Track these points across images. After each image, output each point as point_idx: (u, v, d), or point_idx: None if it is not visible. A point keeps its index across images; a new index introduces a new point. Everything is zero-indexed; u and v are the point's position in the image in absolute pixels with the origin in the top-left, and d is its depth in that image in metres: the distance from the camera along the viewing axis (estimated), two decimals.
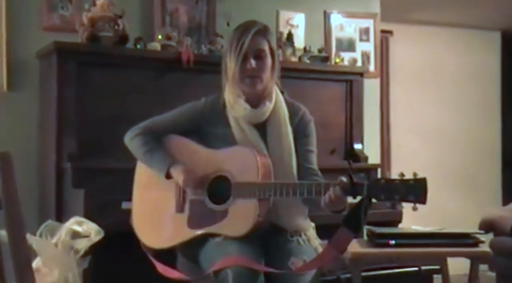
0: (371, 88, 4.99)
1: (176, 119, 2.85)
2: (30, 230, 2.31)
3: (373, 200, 2.39)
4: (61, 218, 3.41)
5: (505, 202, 6.57)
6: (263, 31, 2.75)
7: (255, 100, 2.76)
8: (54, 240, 2.70)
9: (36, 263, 2.65)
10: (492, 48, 7.16)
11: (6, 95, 3.93)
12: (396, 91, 6.73)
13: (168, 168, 2.69)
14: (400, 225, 4.15)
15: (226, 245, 2.56)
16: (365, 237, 3.42)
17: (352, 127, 4.50)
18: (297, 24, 4.78)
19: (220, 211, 2.63)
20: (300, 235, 2.72)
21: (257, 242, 2.62)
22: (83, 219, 2.79)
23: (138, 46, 3.95)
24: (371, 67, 5.07)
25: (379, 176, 4.31)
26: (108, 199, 3.29)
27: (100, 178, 3.42)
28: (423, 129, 6.79)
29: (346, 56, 4.75)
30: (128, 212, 2.87)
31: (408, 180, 2.31)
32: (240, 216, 2.58)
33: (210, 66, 3.40)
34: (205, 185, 2.68)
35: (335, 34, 4.99)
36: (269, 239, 2.67)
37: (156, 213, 2.79)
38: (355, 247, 3.13)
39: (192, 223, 2.68)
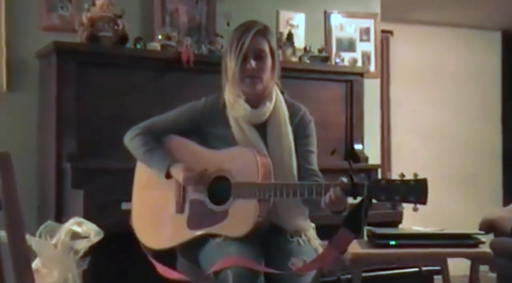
0: (371, 88, 4.98)
1: (176, 119, 2.85)
2: (29, 230, 2.30)
3: (374, 201, 2.38)
4: (60, 218, 3.41)
5: (505, 203, 6.57)
6: (263, 31, 2.74)
7: (255, 100, 2.75)
8: (53, 241, 2.69)
9: (35, 264, 2.65)
10: (492, 48, 7.15)
11: (6, 96, 3.92)
12: (397, 91, 6.73)
13: (168, 167, 2.68)
14: (400, 226, 4.15)
15: (226, 245, 2.55)
16: (366, 237, 3.41)
17: (353, 127, 4.50)
18: (297, 24, 4.78)
19: (220, 211, 2.63)
20: (300, 236, 2.71)
21: (257, 243, 2.61)
22: (82, 220, 2.79)
23: (138, 46, 3.95)
24: (372, 67, 5.07)
25: (379, 176, 4.32)
26: (108, 200, 3.29)
27: (100, 178, 3.42)
28: (424, 129, 6.79)
29: (346, 56, 4.75)
30: (128, 213, 2.87)
31: (408, 181, 2.30)
32: (240, 217, 2.57)
33: (210, 66, 3.40)
34: (206, 181, 2.67)
35: (335, 34, 4.99)
36: (269, 240, 2.67)
37: (156, 214, 2.78)
38: (355, 247, 3.12)
39: (192, 223, 2.67)
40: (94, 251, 2.73)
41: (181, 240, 2.69)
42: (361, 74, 4.60)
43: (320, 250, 2.65)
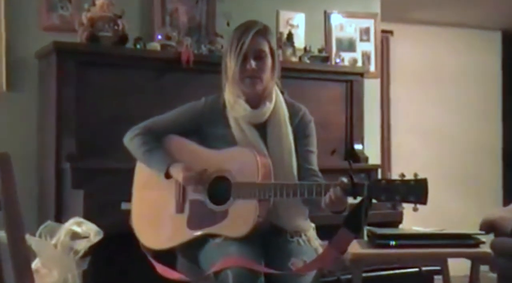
0: (371, 88, 4.98)
1: (176, 119, 2.84)
2: (29, 230, 2.30)
3: (374, 201, 2.38)
4: (60, 218, 3.40)
5: (506, 203, 6.56)
6: (264, 32, 2.74)
7: (255, 100, 2.75)
8: (53, 241, 2.69)
9: (35, 264, 2.65)
10: (492, 48, 7.15)
11: (5, 96, 3.92)
12: (397, 91, 6.73)
13: (167, 167, 2.68)
14: (400, 226, 4.15)
15: (226, 245, 2.55)
16: (366, 237, 3.41)
17: (353, 127, 4.49)
18: (297, 24, 4.78)
19: (220, 211, 2.62)
20: (300, 236, 2.71)
21: (257, 243, 2.61)
22: (82, 220, 2.79)
23: (138, 46, 3.95)
24: (372, 67, 5.06)
25: (379, 176, 4.31)
26: (108, 200, 3.28)
27: (100, 179, 3.41)
28: (424, 129, 6.78)
29: (347, 56, 4.75)
30: (128, 213, 2.86)
31: (408, 181, 2.30)
32: (240, 217, 2.57)
33: (210, 66, 3.39)
34: (205, 181, 2.67)
35: (335, 34, 4.98)
36: (269, 240, 2.66)
37: (155, 214, 2.78)
38: (355, 247, 3.12)
39: (192, 223, 2.67)
40: (94, 251, 2.72)
41: (181, 240, 2.69)
42: (361, 74, 4.60)
43: (320, 250, 2.65)
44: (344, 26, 5.01)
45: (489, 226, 4.95)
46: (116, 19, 3.82)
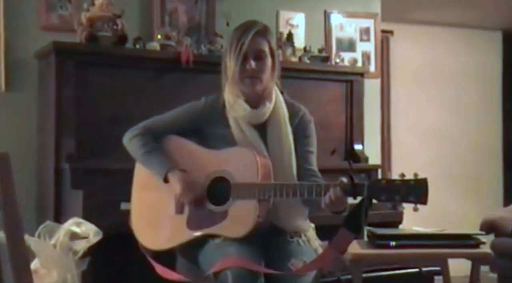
0: (371, 88, 4.98)
1: (176, 119, 2.84)
2: (28, 231, 2.30)
3: (374, 201, 2.37)
4: (59, 219, 3.40)
5: (506, 203, 6.56)
6: (263, 32, 2.74)
7: (255, 100, 2.74)
8: (52, 241, 2.69)
9: (34, 264, 2.64)
10: (493, 48, 7.15)
11: (5, 96, 3.92)
12: (397, 91, 6.72)
13: (165, 174, 2.68)
14: (400, 226, 4.14)
15: (226, 246, 2.55)
16: (366, 238, 3.40)
17: (353, 127, 4.49)
18: (297, 24, 4.77)
19: (219, 212, 2.62)
20: (300, 236, 2.71)
21: (257, 243, 2.60)
22: (81, 220, 2.78)
23: (137, 46, 3.94)
24: (372, 68, 5.06)
25: (379, 176, 4.31)
26: (107, 200, 3.28)
27: (99, 179, 3.41)
28: (424, 129, 6.78)
29: (346, 56, 4.74)
30: (127, 213, 2.86)
31: (408, 180, 2.30)
32: (240, 217, 2.57)
33: (210, 66, 3.39)
34: (202, 200, 2.66)
35: (335, 34, 4.98)
36: (269, 240, 2.66)
37: (155, 214, 2.77)
38: (355, 248, 3.12)
39: (192, 224, 2.66)
40: (93, 251, 2.72)
41: (181, 241, 2.68)
42: (361, 74, 4.59)
43: (320, 250, 2.65)
44: (344, 26, 5.01)
45: (489, 226, 4.94)
46: (115, 19, 3.82)
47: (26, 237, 2.13)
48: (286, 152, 2.73)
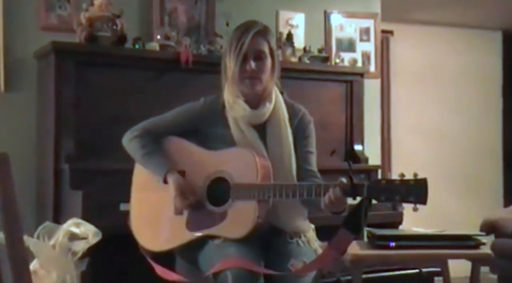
0: (371, 88, 4.97)
1: (175, 119, 2.83)
2: (27, 231, 2.29)
3: (374, 201, 2.36)
4: (58, 219, 3.39)
5: (506, 204, 6.56)
6: (263, 32, 2.73)
7: (255, 101, 2.74)
8: (51, 242, 2.68)
9: (33, 265, 2.64)
10: (493, 48, 7.14)
11: (4, 96, 3.91)
12: (397, 91, 6.72)
13: (165, 176, 2.67)
14: (400, 227, 4.14)
15: (226, 247, 2.54)
16: (366, 238, 3.40)
17: (353, 128, 4.49)
18: (297, 24, 4.77)
19: (219, 212, 2.61)
20: (300, 237, 2.70)
21: (257, 244, 2.60)
22: (81, 221, 2.77)
23: (137, 46, 3.94)
24: (372, 68, 5.06)
25: (379, 177, 4.30)
26: (106, 201, 3.27)
27: (98, 179, 3.40)
28: (424, 129, 6.78)
29: (346, 56, 4.74)
30: (127, 214, 2.85)
31: (408, 180, 2.29)
32: (240, 218, 2.56)
33: (209, 67, 3.38)
34: (198, 204, 2.66)
35: (335, 34, 4.98)
36: (268, 241, 2.65)
37: (154, 215, 2.77)
38: (355, 249, 3.11)
39: (191, 225, 2.66)
40: (92, 252, 2.71)
41: (180, 242, 2.68)
42: (361, 75, 4.59)
43: (320, 251, 2.64)
44: (344, 26, 5.01)
45: (489, 227, 4.95)
46: (114, 19, 3.81)
47: (25, 237, 2.13)
48: (286, 152, 2.72)
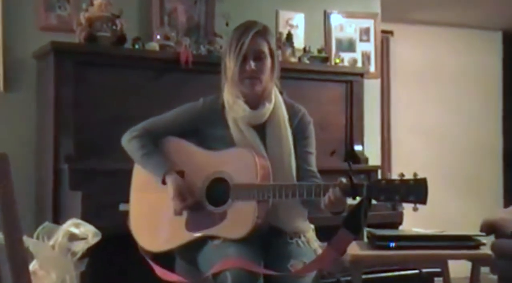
0: (371, 88, 4.97)
1: (175, 120, 2.83)
2: (27, 232, 2.27)
3: (373, 201, 2.36)
4: (58, 220, 3.39)
5: (506, 204, 6.57)
6: (263, 32, 2.73)
7: (254, 101, 2.73)
8: (51, 242, 2.67)
9: (32, 266, 2.63)
10: (493, 48, 7.14)
11: (3, 96, 3.91)
12: (397, 91, 6.72)
13: (163, 176, 2.67)
14: (400, 227, 4.14)
15: (225, 247, 2.54)
16: (365, 239, 3.39)
17: (352, 128, 4.48)
18: (297, 24, 4.77)
19: (218, 213, 2.61)
20: (300, 237, 2.70)
21: (256, 244, 2.59)
22: (80, 221, 2.76)
23: (136, 46, 3.93)
24: (372, 68, 5.05)
25: (379, 177, 4.29)
26: (106, 201, 3.27)
27: (98, 180, 3.40)
28: (424, 129, 6.78)
29: (346, 56, 4.73)
30: (126, 214, 2.85)
31: (408, 180, 2.28)
32: (239, 218, 2.56)
33: (209, 67, 3.38)
34: (196, 205, 2.66)
35: (335, 34, 4.97)
36: (268, 241, 2.65)
37: (154, 216, 2.76)
38: (355, 249, 3.11)
39: (191, 225, 2.66)
40: (92, 252, 2.70)
41: (180, 242, 2.68)
42: (361, 75, 4.59)
43: (320, 251, 2.64)
44: (344, 26, 5.01)
45: (489, 228, 4.95)
46: (114, 19, 3.81)
47: (25, 238, 2.11)
48: (286, 152, 2.72)
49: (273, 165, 2.64)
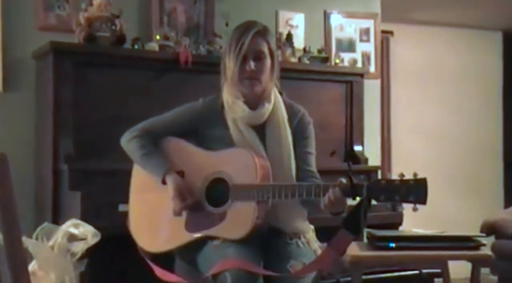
0: (371, 89, 4.97)
1: (174, 120, 2.82)
2: (26, 232, 2.27)
3: (373, 202, 2.36)
4: (57, 220, 3.39)
5: (507, 204, 6.56)
6: (263, 32, 2.72)
7: (254, 101, 2.73)
8: (50, 243, 2.67)
9: (32, 266, 2.62)
10: (493, 48, 7.14)
11: (2, 96, 3.91)
12: (397, 91, 6.71)
13: (163, 175, 2.66)
14: (400, 228, 4.14)
15: (225, 248, 2.53)
16: (365, 240, 3.39)
17: (352, 128, 4.48)
18: (297, 25, 4.77)
19: (218, 213, 2.60)
20: (299, 238, 2.69)
21: (256, 245, 2.59)
22: (79, 222, 2.76)
23: (136, 46, 3.93)
24: (372, 68, 5.05)
25: (379, 177, 4.29)
26: (105, 201, 3.27)
27: (97, 180, 3.40)
28: (424, 129, 6.78)
29: (346, 56, 4.73)
30: (126, 214, 2.84)
31: (408, 180, 2.28)
32: (239, 219, 2.55)
33: (209, 67, 3.38)
34: (196, 206, 2.65)
35: (335, 34, 4.97)
36: (268, 242, 2.65)
37: (153, 216, 2.76)
38: (355, 250, 3.10)
39: (190, 226, 2.65)
40: (91, 253, 2.70)
41: (179, 243, 2.67)
42: (361, 75, 4.59)
43: (319, 252, 2.63)
44: (344, 26, 5.00)
45: (489, 228, 4.94)
46: (113, 19, 3.81)
47: (24, 238, 2.11)
48: (285, 153, 2.72)
49: (273, 165, 2.63)
